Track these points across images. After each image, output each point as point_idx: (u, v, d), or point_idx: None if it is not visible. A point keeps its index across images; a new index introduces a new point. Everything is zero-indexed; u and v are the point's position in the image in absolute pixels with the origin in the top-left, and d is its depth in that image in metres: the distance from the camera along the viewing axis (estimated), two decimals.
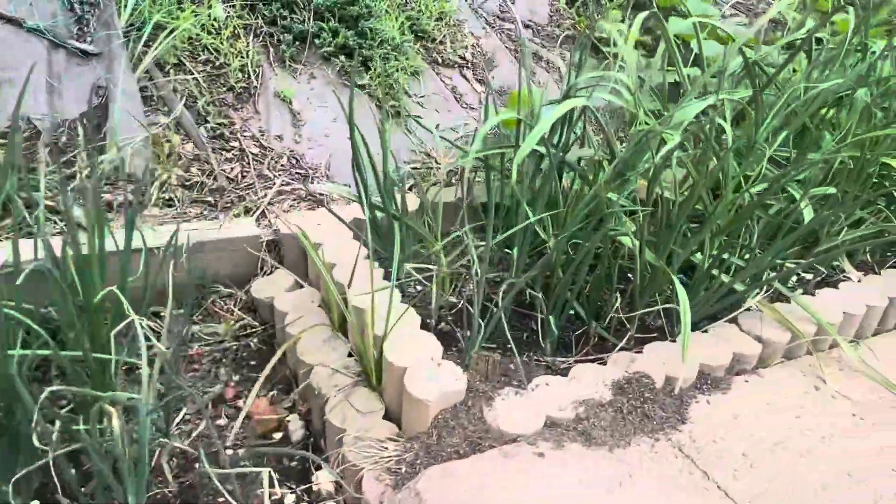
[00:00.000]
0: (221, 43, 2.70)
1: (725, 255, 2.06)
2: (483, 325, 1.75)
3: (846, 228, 2.30)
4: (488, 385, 1.70)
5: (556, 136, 2.13)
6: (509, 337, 1.72)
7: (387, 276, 2.02)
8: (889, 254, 2.56)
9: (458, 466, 1.51)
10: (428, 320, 1.96)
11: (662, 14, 3.21)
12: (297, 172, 2.59)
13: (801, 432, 1.73)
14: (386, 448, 1.62)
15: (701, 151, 2.03)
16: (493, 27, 3.53)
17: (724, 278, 1.99)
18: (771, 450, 1.67)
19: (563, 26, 3.72)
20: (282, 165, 2.58)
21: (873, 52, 2.26)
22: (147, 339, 1.39)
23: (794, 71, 2.43)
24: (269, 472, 1.48)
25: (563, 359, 1.94)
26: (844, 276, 2.46)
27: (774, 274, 2.12)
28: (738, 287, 1.98)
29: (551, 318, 1.90)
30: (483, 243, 2.09)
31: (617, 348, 1.93)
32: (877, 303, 2.16)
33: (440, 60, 3.16)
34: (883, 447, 1.72)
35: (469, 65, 3.24)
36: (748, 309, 2.04)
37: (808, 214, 2.04)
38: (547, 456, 1.54)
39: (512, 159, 2.03)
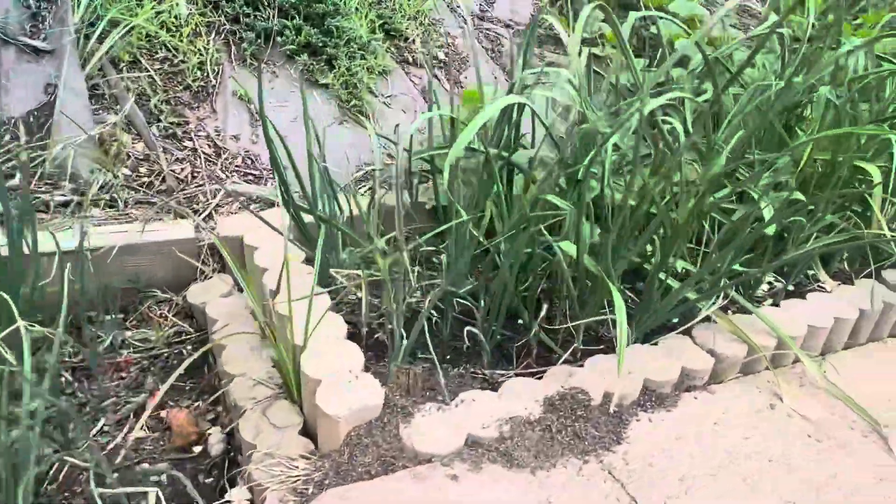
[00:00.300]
0: (180, 40, 2.60)
1: (681, 263, 1.92)
2: (404, 336, 1.62)
3: (815, 235, 2.15)
4: (409, 400, 1.57)
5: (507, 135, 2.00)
6: (431, 348, 1.59)
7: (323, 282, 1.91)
8: (868, 263, 2.40)
9: (360, 489, 1.38)
10: (361, 329, 1.84)
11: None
12: (251, 174, 2.48)
13: (747, 455, 1.59)
14: (296, 466, 1.50)
15: (660, 154, 1.90)
16: (471, 27, 3.40)
17: (675, 285, 1.85)
18: (712, 474, 1.53)
19: (545, 26, 3.58)
20: (236, 166, 2.48)
21: (850, 51, 2.10)
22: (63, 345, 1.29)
23: (764, 67, 2.28)
24: (157, 492, 1.37)
25: (504, 371, 1.81)
26: (819, 286, 2.30)
27: (732, 282, 1.97)
28: (691, 295, 1.84)
29: (494, 327, 1.77)
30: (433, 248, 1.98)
31: (560, 360, 1.80)
32: (846, 315, 2.00)
33: (411, 60, 3.04)
34: (836, 473, 1.57)
35: (442, 65, 3.11)
36: (707, 319, 1.90)
37: (769, 222, 1.89)
38: (461, 479, 1.42)
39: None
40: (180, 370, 1.53)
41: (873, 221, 2.10)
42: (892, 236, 1.97)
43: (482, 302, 1.78)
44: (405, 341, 1.59)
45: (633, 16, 2.01)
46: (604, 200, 1.83)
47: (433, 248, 1.96)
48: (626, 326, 1.57)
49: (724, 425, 1.66)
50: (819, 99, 1.92)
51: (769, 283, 2.33)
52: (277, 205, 2.29)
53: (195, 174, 2.41)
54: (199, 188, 2.37)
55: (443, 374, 1.76)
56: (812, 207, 2.16)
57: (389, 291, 1.62)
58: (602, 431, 1.57)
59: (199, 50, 2.64)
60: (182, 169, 2.40)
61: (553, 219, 1.81)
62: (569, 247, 1.71)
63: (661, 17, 2.09)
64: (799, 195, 1.99)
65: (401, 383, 1.58)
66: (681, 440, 1.60)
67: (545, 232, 1.70)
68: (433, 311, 1.94)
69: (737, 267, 1.89)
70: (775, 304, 2.07)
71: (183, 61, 2.60)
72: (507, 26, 3.52)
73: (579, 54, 1.83)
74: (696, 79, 2.09)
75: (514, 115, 1.94)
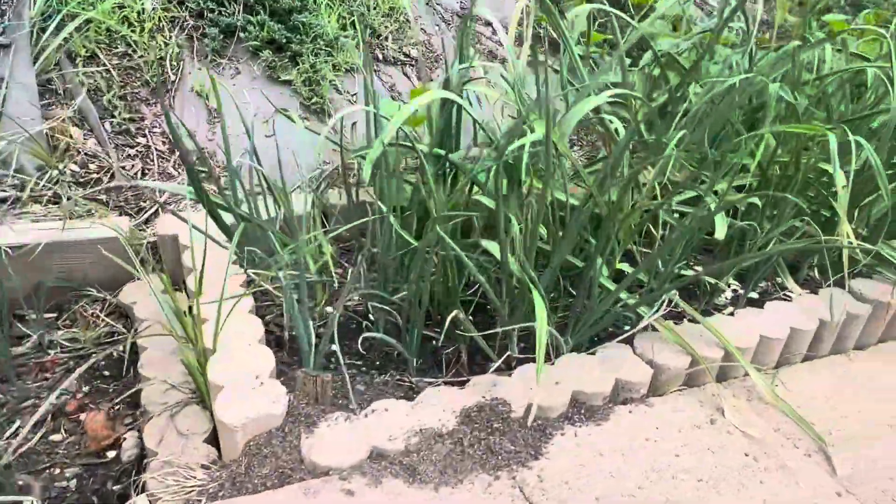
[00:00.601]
0: (140, 35, 2.54)
1: (625, 266, 1.81)
2: (313, 341, 1.53)
3: (777, 240, 2.02)
4: (317, 409, 1.48)
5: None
6: (339, 355, 1.50)
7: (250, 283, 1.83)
8: (842, 270, 2.26)
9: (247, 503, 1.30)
10: (285, 333, 1.76)
11: (636, 12, 2.95)
12: (204, 171, 2.41)
13: (674, 475, 1.47)
14: (193, 476, 1.42)
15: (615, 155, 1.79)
16: (451, 24, 3.31)
17: (615, 289, 1.74)
18: (632, 494, 1.42)
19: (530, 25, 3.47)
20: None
21: (800, 46, 1.97)
22: None
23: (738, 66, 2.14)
24: (33, 501, 1.29)
25: (432, 380, 1.71)
26: (785, 295, 2.18)
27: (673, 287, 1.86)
28: (629, 300, 1.73)
29: (414, 333, 1.68)
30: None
31: (492, 369, 1.70)
32: (803, 325, 1.88)
33: (381, 57, 2.96)
34: (767, 498, 1.45)
35: (414, 62, 3.02)
36: (652, 328, 1.79)
37: (719, 223, 1.77)
38: (357, 494, 1.32)
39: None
40: (80, 371, 1.46)
41: (841, 227, 1.97)
42: (852, 243, 1.84)
43: (413, 305, 1.69)
44: (313, 347, 1.50)
45: (583, 9, 1.90)
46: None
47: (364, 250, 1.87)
48: (546, 333, 1.46)
49: (655, 441, 1.55)
50: (770, 96, 1.80)
51: (734, 290, 2.21)
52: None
53: (146, 171, 2.35)
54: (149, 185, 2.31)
55: (367, 382, 1.68)
56: (775, 212, 2.03)
57: (288, 294, 1.53)
58: (519, 446, 1.47)
59: (159, 45, 2.57)
60: (133, 165, 2.34)
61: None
62: (492, 246, 1.61)
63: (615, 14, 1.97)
64: (754, 199, 1.87)
65: (308, 391, 1.49)
66: (605, 457, 1.49)
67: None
68: (357, 316, 1.85)
69: (683, 272, 1.78)
70: (732, 314, 1.95)
71: (143, 57, 2.54)
72: (489, 24, 3.42)
73: (518, 50, 1.73)
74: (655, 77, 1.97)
75: (455, 113, 1.85)
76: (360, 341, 1.66)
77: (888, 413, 1.76)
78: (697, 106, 1.76)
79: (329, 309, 1.89)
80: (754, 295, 2.19)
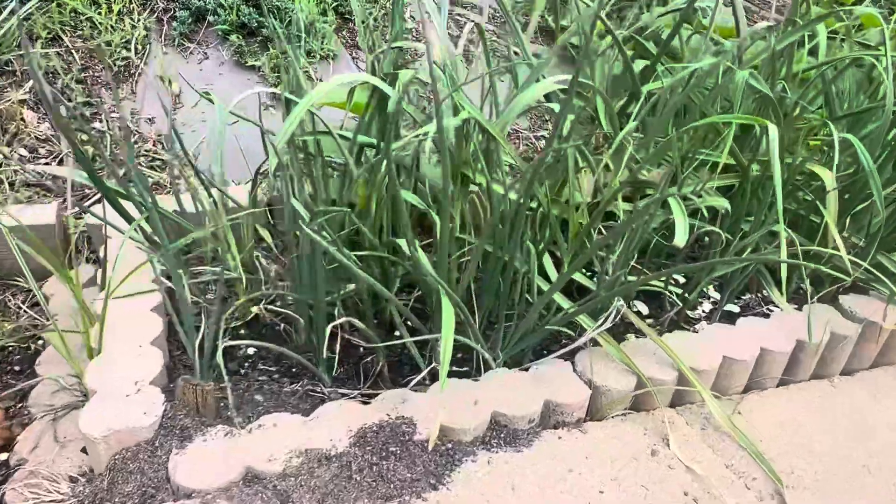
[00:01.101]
0: (106, 17, 2.42)
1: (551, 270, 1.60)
2: (196, 347, 1.37)
3: (755, 247, 1.78)
4: (197, 421, 1.32)
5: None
6: (221, 359, 1.32)
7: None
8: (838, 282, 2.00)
9: None
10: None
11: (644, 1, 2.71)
12: (160, 158, 2.28)
13: None
14: (57, 490, 1.27)
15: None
16: (440, 11, 3.11)
17: (565, 303, 1.53)
18: None
19: (529, 13, 3.26)
20: (144, 151, 2.28)
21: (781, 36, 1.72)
22: None
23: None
24: None
25: (348, 391, 1.53)
26: (768, 309, 1.93)
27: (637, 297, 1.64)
28: (570, 309, 1.52)
29: (317, 340, 1.50)
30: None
31: (413, 382, 1.51)
32: (776, 346, 1.64)
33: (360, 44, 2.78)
34: None
35: (400, 50, 2.83)
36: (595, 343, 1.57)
37: (680, 227, 1.54)
38: None
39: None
40: None
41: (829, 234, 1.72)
42: (838, 252, 1.59)
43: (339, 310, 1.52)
44: (197, 350, 1.34)
45: None
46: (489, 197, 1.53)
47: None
48: (451, 342, 1.26)
49: (580, 474, 1.34)
50: (737, 85, 1.56)
51: (715, 302, 1.98)
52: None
53: (96, 157, 2.23)
54: (100, 172, 2.18)
55: (274, 391, 1.51)
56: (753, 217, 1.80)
57: (185, 293, 1.37)
58: (417, 473, 1.28)
59: (127, 28, 2.45)
60: (84, 150, 2.22)
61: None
62: (401, 242, 1.42)
63: None
64: (720, 200, 1.64)
65: (189, 400, 1.33)
66: (516, 490, 1.29)
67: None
68: (278, 320, 1.68)
69: (628, 278, 1.56)
70: (695, 330, 1.72)
71: (107, 40, 2.41)
72: (477, 8, 3.21)
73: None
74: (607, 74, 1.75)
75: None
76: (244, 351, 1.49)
77: (865, 451, 1.51)
78: (657, 96, 1.53)
79: (254, 309, 1.72)
80: (735, 308, 1.95)
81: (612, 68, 1.78)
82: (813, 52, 2.12)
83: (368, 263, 1.61)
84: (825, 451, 1.50)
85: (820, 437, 1.54)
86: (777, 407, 1.61)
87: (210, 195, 1.73)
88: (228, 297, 1.67)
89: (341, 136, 1.60)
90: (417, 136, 1.41)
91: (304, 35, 2.61)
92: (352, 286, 1.52)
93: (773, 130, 1.33)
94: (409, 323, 1.65)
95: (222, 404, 1.41)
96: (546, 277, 1.64)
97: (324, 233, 1.34)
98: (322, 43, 2.64)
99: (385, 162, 1.34)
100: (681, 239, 1.52)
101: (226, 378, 1.30)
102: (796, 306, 1.92)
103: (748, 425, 1.54)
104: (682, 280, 1.97)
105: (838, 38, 2.07)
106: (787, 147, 1.88)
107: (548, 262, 1.68)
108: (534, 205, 1.61)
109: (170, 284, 1.54)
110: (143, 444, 1.26)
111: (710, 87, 1.77)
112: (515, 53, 1.96)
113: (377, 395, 1.46)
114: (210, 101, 2.02)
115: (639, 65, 1.80)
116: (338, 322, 1.35)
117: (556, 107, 1.62)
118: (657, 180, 1.64)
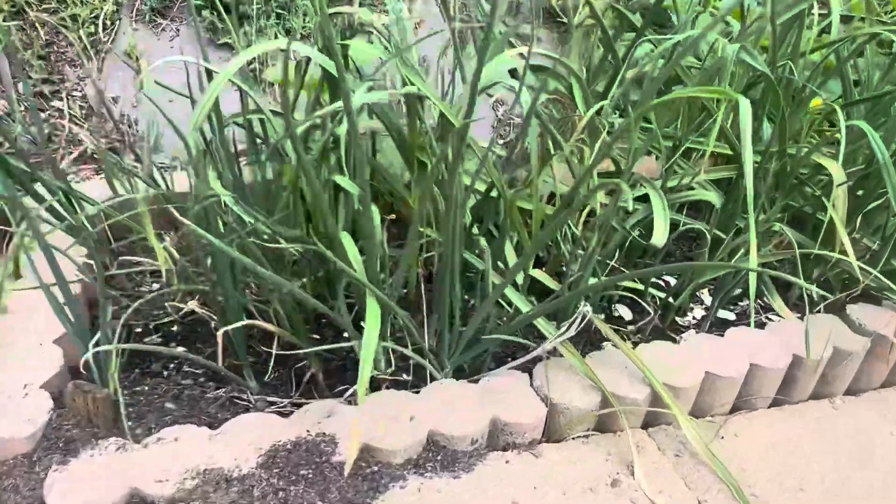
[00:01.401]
0: None
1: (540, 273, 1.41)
2: (89, 346, 1.20)
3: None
4: (87, 433, 1.16)
5: None
6: (114, 366, 1.15)
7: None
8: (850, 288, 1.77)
9: None
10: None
11: None
12: (118, 139, 2.13)
13: None
14: None
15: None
16: None
17: (523, 305, 1.34)
18: None
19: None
20: (105, 130, 2.13)
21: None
22: None
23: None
24: None
25: (278, 399, 1.36)
26: (767, 318, 1.71)
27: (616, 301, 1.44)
28: (523, 307, 1.32)
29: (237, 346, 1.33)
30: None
31: (350, 391, 1.33)
32: (767, 362, 1.42)
33: (348, 23, 2.60)
34: None
35: (387, 28, 2.65)
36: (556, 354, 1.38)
37: (659, 225, 1.34)
38: None
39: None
40: None
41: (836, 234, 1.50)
42: (839, 256, 1.37)
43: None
44: (90, 348, 1.17)
45: None
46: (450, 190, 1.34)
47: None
48: (373, 347, 1.08)
49: None
50: (726, 59, 1.34)
51: (707, 308, 1.76)
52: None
53: (54, 136, 2.08)
54: (55, 153, 2.04)
55: (193, 397, 1.34)
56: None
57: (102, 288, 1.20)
58: (331, 501, 1.10)
59: (96, 3, 2.30)
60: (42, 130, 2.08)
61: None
62: (347, 239, 1.24)
63: None
64: (710, 194, 1.43)
65: (79, 409, 1.17)
66: None
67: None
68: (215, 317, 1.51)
69: (592, 280, 1.36)
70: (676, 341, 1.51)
71: (74, 14, 2.27)
72: None
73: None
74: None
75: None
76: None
77: (866, 481, 1.30)
78: (634, 72, 1.33)
79: (192, 304, 1.56)
80: (730, 316, 1.73)
81: (594, 45, 1.57)
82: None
83: (310, 259, 1.44)
84: (818, 481, 1.29)
85: (814, 465, 1.33)
86: (767, 430, 1.40)
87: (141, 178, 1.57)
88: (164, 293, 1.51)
89: (274, 113, 1.42)
90: (323, 114, 1.22)
91: (285, 14, 2.44)
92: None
93: (745, 104, 1.12)
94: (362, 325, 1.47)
95: (130, 411, 1.25)
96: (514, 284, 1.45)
97: (234, 225, 1.16)
98: (304, 21, 2.47)
99: (291, 139, 1.16)
100: (659, 237, 1.32)
101: (115, 383, 1.14)
102: (800, 315, 1.70)
103: (732, 452, 1.33)
104: (672, 283, 1.76)
105: (856, 18, 1.82)
106: (793, 135, 1.66)
107: (513, 260, 1.49)
108: (494, 194, 1.42)
109: (83, 277, 1.39)
110: (19, 458, 1.11)
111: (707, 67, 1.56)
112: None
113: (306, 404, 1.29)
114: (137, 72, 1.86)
115: (628, 39, 1.60)
116: (244, 323, 1.18)
117: (517, 84, 1.42)
118: (635, 170, 1.43)
